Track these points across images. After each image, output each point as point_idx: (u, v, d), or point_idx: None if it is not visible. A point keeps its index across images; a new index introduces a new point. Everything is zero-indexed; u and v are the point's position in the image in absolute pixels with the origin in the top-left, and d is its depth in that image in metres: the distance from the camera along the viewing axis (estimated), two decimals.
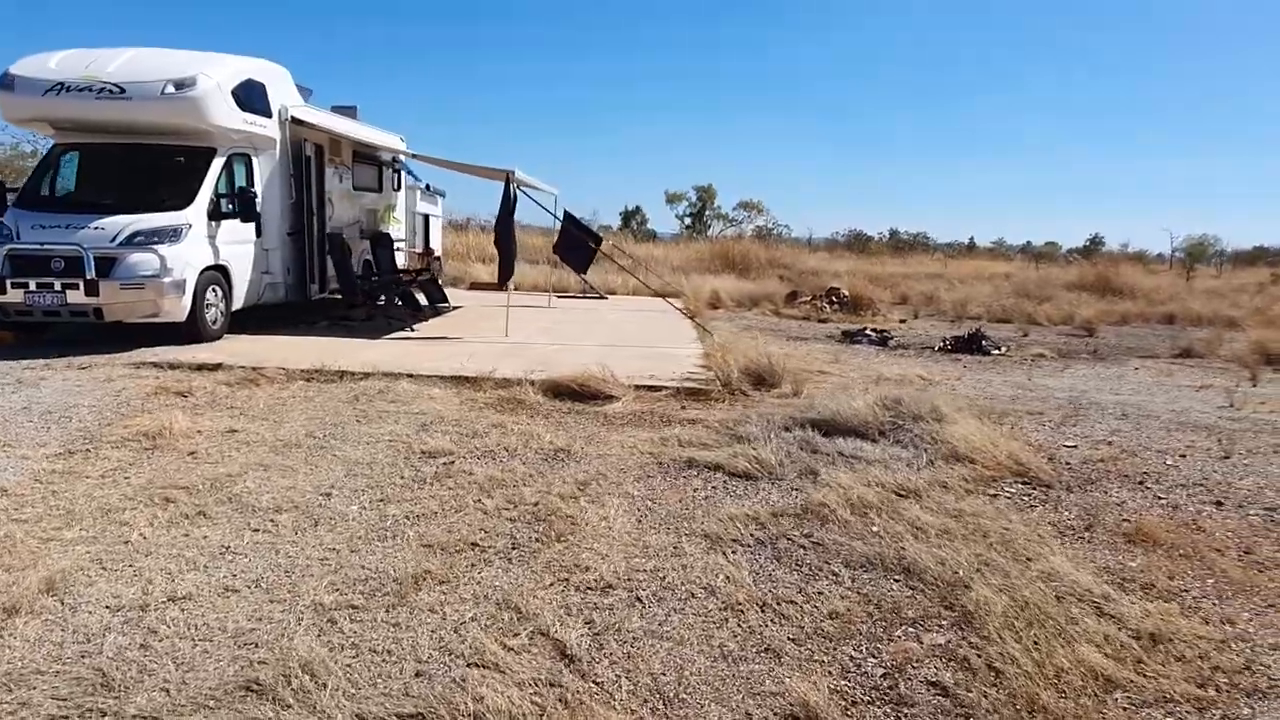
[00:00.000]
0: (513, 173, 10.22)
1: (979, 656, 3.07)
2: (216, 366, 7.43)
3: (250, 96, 9.45)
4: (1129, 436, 6.62)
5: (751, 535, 4.19)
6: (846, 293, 17.93)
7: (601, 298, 18.49)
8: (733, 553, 3.99)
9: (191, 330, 8.64)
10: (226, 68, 9.17)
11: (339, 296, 11.87)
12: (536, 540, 4.04)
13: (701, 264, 27.89)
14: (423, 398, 6.81)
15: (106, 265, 8.06)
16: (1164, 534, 4.36)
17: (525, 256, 24.02)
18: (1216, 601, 3.65)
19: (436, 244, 20.76)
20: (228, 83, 9.05)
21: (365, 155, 13.37)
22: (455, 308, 13.80)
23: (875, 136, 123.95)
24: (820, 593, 3.60)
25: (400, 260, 15.36)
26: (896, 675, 2.98)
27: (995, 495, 4.95)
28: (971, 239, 55.81)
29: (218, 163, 9.09)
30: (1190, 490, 5.23)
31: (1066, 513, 4.72)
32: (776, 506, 4.59)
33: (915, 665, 3.05)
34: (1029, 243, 54.41)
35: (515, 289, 20.14)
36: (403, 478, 4.89)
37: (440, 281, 20.62)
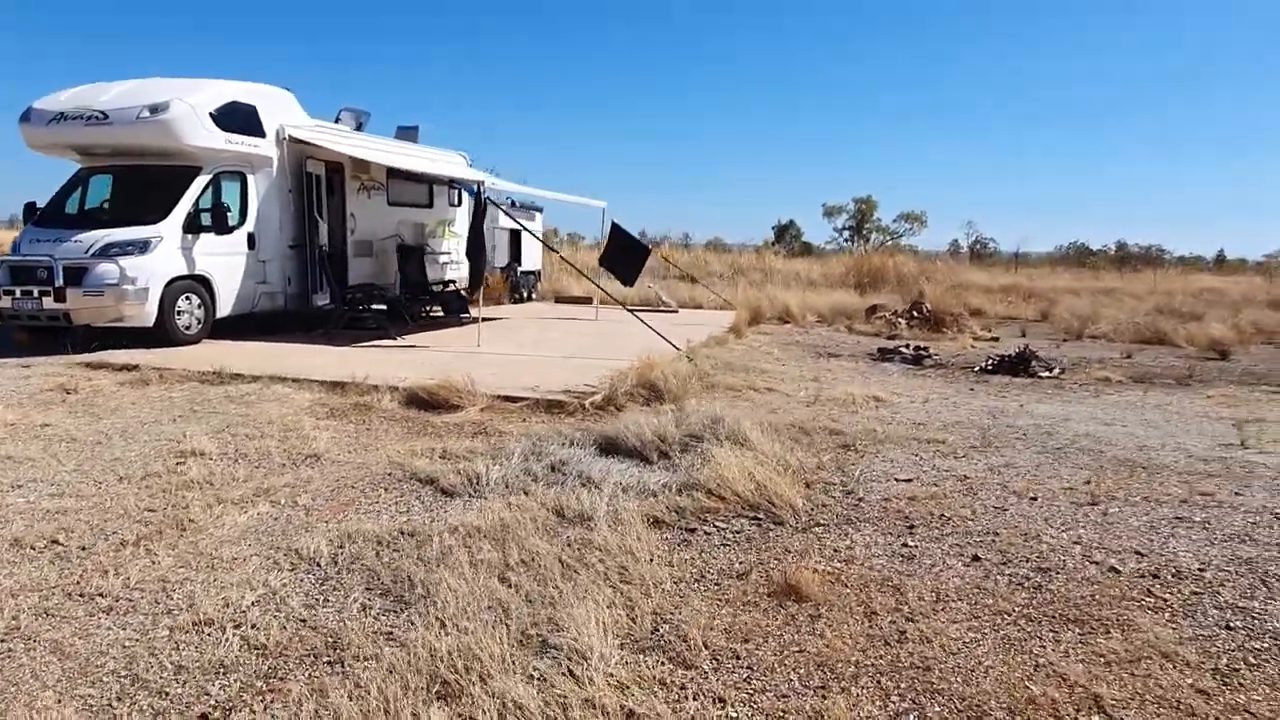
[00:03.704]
0: (481, 183, 10.29)
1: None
2: (134, 367, 7.98)
3: (234, 118, 10.13)
4: (1011, 473, 5.55)
5: (336, 555, 3.89)
6: (929, 307, 16.47)
7: (673, 311, 18.15)
8: (288, 571, 3.72)
9: (160, 335, 9.35)
10: (205, 93, 9.89)
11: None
12: (115, 544, 3.96)
13: (837, 279, 26.84)
14: (276, 400, 6.94)
15: (77, 274, 8.91)
16: (820, 590, 3.60)
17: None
18: (748, 675, 2.94)
19: (534, 259, 21.35)
20: (205, 106, 9.76)
21: (407, 172, 13.91)
22: (476, 319, 13.92)
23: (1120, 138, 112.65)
24: (304, 619, 3.28)
25: (448, 273, 15.83)
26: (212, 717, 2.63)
27: (693, 530, 4.31)
28: (1221, 251, 47.23)
29: (200, 180, 9.81)
30: (967, 539, 4.29)
31: (746, 555, 4.01)
32: (418, 526, 4.24)
33: (257, 710, 2.68)
34: None
35: (600, 303, 20.38)
36: (115, 475, 4.98)
37: (533, 295, 21.28)
